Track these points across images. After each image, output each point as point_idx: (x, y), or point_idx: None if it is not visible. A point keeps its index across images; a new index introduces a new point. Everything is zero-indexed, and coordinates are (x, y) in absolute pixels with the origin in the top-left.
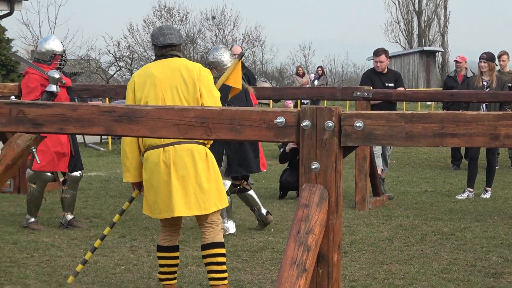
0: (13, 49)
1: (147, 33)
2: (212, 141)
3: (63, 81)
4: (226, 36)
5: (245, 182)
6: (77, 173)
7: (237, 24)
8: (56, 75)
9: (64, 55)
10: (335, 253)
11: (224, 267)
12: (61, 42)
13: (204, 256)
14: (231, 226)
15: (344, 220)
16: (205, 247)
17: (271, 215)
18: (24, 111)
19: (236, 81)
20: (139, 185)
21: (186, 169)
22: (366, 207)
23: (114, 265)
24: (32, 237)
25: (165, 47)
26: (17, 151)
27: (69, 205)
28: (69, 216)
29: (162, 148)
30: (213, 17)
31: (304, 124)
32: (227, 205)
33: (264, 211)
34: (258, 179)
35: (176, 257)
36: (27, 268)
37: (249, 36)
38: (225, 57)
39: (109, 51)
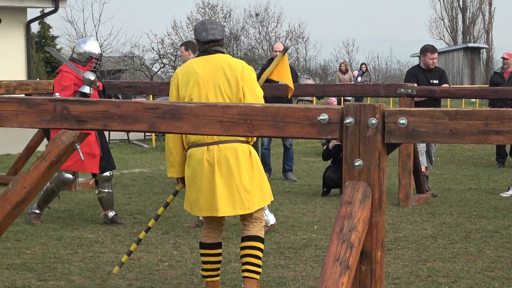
0: (58, 46)
1: (191, 30)
2: (255, 138)
3: (97, 84)
4: (270, 33)
5: None
6: (106, 173)
7: (281, 21)
8: (92, 77)
9: (100, 58)
10: (378, 250)
11: (260, 262)
12: (100, 46)
13: (243, 248)
14: (271, 218)
15: (388, 218)
16: (245, 238)
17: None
18: (69, 108)
19: (280, 75)
20: (183, 180)
21: (230, 168)
22: (410, 205)
23: (158, 262)
24: (76, 233)
25: (207, 43)
26: (62, 148)
27: (107, 203)
28: (111, 213)
29: (206, 147)
30: (257, 14)
31: (347, 121)
32: (270, 202)
33: None
34: (302, 176)
35: (219, 254)
36: (71, 264)
37: (292, 33)
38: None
39: (153, 48)
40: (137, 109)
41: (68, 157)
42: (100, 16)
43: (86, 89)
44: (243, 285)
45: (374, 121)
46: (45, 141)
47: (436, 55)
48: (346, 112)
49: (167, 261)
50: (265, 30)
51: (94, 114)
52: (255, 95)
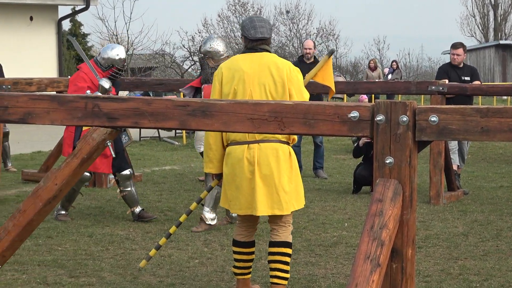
0: (89, 44)
1: (222, 28)
2: (296, 139)
3: (110, 94)
4: (300, 30)
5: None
6: (126, 172)
7: (311, 18)
8: (107, 85)
9: (122, 69)
10: (409, 248)
11: (288, 268)
12: (125, 55)
13: (272, 253)
14: (212, 217)
15: (419, 215)
16: (275, 244)
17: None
18: (100, 105)
19: (324, 78)
20: (219, 176)
21: (270, 168)
22: (441, 202)
23: (188, 259)
24: (107, 230)
25: (255, 41)
26: (93, 145)
27: (132, 199)
28: (137, 209)
29: (247, 145)
30: (287, 11)
31: (378, 118)
32: (303, 206)
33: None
34: (332, 174)
35: (252, 253)
36: (102, 260)
37: (323, 30)
38: (221, 47)
39: (183, 46)
40: (167, 106)
41: (99, 155)
42: (131, 13)
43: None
44: None
45: (405, 118)
46: None
47: (458, 51)
48: (377, 110)
49: (198, 258)
50: (295, 28)
51: (125, 112)
52: (302, 98)
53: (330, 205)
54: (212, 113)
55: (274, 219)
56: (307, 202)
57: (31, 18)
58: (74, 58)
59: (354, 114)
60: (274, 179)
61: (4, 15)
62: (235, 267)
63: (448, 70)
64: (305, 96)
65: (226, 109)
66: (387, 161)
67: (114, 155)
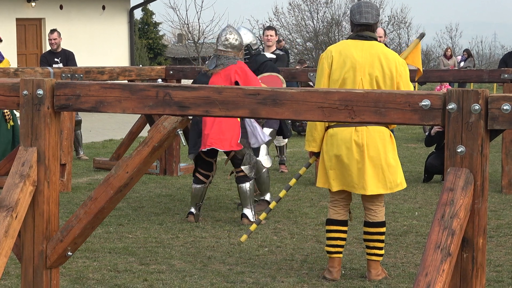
0: (160, 33)
1: (292, 16)
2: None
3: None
4: None
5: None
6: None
7: (383, 6)
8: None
9: (248, 48)
10: (480, 237)
11: (383, 245)
12: (249, 38)
13: (370, 233)
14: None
15: (490, 204)
16: (373, 224)
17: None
18: (171, 94)
19: (414, 60)
20: (318, 154)
21: (377, 150)
22: None
23: (258, 247)
24: (177, 218)
25: (360, 25)
26: (164, 133)
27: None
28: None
29: (354, 128)
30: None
31: (450, 107)
32: (405, 186)
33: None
34: (403, 162)
35: (346, 231)
36: (172, 248)
37: (394, 18)
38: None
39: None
40: (238, 95)
41: (170, 143)
42: (202, 2)
43: None
44: (367, 267)
45: (477, 107)
46: (147, 127)
47: None
48: (448, 98)
49: (267, 247)
50: None
51: (196, 100)
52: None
53: (400, 194)
54: (282, 102)
55: (371, 199)
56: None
57: (104, 7)
58: (146, 47)
59: (426, 102)
60: (381, 160)
61: (77, 5)
62: (329, 245)
63: (507, 58)
64: (411, 89)
65: (297, 98)
66: (459, 150)
67: (184, 144)
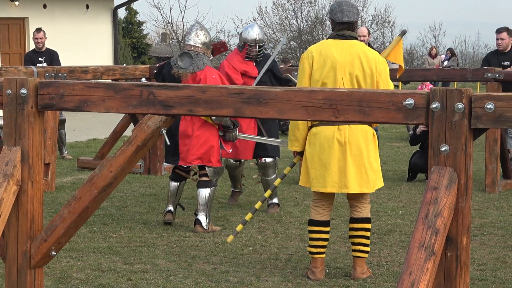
0: (144, 32)
1: (276, 15)
2: None
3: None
4: None
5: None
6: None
7: (366, 6)
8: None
9: (253, 45)
10: (464, 236)
11: (369, 242)
12: (257, 34)
13: (355, 229)
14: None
15: (474, 203)
16: (358, 220)
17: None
18: (155, 93)
19: (396, 57)
20: (301, 154)
21: (359, 149)
22: (496, 190)
23: (242, 246)
24: (161, 217)
25: (342, 24)
26: (148, 133)
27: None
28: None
29: (337, 126)
30: None
31: (433, 106)
32: (383, 185)
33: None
34: (387, 161)
35: (328, 232)
36: (156, 248)
37: (378, 17)
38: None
39: (238, 33)
40: (222, 94)
41: (154, 142)
42: (186, 1)
43: None
44: (353, 264)
45: (460, 106)
46: (131, 126)
47: (502, 35)
48: (432, 97)
49: (252, 246)
50: None
51: (180, 99)
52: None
53: (384, 193)
54: (266, 101)
55: (357, 197)
56: None
57: (87, 7)
58: (129, 47)
59: (410, 101)
60: (364, 159)
61: (61, 4)
62: (312, 246)
63: (490, 56)
64: (391, 87)
65: (281, 97)
66: (442, 149)
67: (168, 143)
